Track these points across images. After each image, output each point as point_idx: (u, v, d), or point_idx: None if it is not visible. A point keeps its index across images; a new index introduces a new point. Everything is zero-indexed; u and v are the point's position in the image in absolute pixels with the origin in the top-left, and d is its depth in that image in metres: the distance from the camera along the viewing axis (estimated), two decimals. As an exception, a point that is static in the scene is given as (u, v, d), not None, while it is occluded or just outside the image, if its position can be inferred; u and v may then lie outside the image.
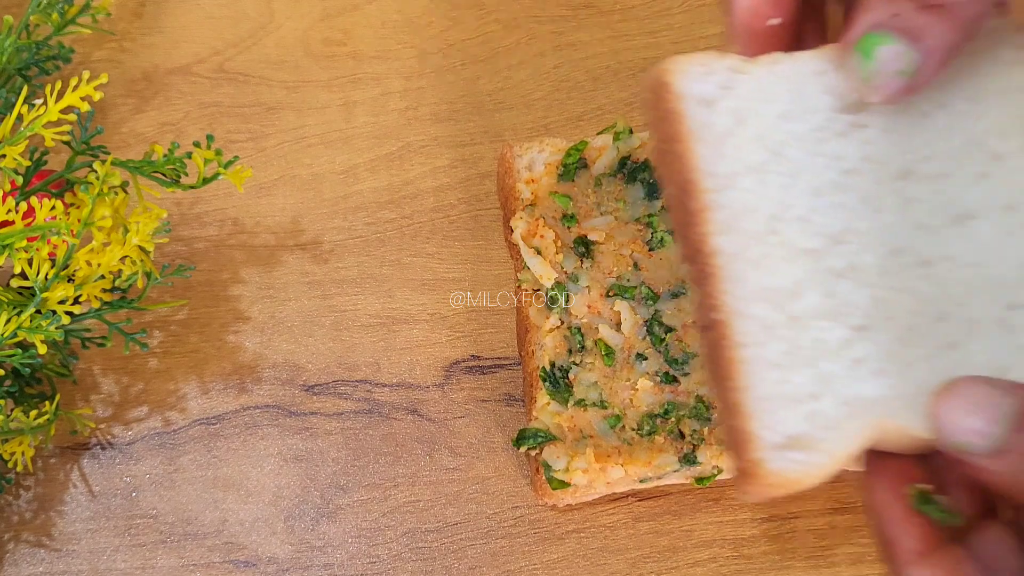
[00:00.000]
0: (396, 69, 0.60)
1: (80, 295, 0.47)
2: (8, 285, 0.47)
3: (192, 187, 0.48)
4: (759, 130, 0.43)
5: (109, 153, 0.49)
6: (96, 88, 0.47)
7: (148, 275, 0.48)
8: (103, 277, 0.47)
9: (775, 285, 0.42)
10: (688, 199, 0.42)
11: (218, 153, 0.47)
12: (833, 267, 0.43)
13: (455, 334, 0.54)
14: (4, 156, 0.46)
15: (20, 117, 0.47)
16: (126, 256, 0.47)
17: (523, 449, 0.51)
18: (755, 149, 0.42)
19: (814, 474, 0.39)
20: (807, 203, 0.43)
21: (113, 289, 0.49)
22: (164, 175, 0.48)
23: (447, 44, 0.60)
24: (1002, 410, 0.33)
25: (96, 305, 0.48)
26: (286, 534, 0.50)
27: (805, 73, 0.42)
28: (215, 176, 0.47)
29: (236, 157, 0.49)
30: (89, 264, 0.46)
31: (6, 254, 0.45)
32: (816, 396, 0.41)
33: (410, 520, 0.50)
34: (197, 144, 0.47)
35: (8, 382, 0.49)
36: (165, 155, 0.47)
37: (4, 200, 0.45)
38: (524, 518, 0.50)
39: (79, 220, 0.46)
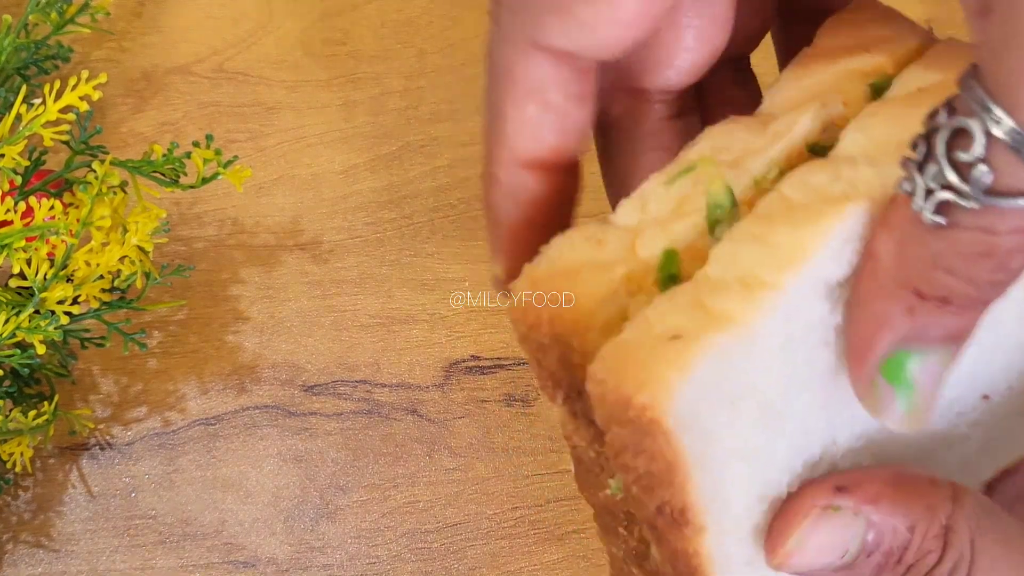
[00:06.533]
0: (396, 69, 0.60)
1: (79, 295, 0.46)
2: (7, 285, 0.47)
3: (191, 187, 0.48)
4: (762, 402, 0.28)
5: (108, 153, 0.49)
6: (95, 88, 0.47)
7: (147, 275, 0.48)
8: (102, 277, 0.47)
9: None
10: (674, 521, 0.28)
11: (217, 153, 0.47)
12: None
13: (455, 334, 0.54)
14: (3, 156, 0.46)
15: (19, 117, 0.47)
16: (125, 256, 0.47)
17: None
18: (756, 431, 0.28)
19: None
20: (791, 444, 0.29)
21: (112, 289, 0.49)
22: (163, 175, 0.48)
23: (447, 44, 0.60)
24: (853, 529, 0.28)
25: (95, 305, 0.48)
26: (285, 534, 0.50)
27: (796, 301, 0.27)
28: (214, 176, 0.47)
29: (235, 157, 0.48)
30: (88, 264, 0.46)
31: (5, 254, 0.45)
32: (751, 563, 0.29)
33: (410, 521, 0.50)
34: (196, 144, 0.47)
35: (7, 382, 0.48)
36: (164, 155, 0.47)
37: (3, 200, 0.45)
38: (524, 519, 0.50)
39: (78, 220, 0.46)
